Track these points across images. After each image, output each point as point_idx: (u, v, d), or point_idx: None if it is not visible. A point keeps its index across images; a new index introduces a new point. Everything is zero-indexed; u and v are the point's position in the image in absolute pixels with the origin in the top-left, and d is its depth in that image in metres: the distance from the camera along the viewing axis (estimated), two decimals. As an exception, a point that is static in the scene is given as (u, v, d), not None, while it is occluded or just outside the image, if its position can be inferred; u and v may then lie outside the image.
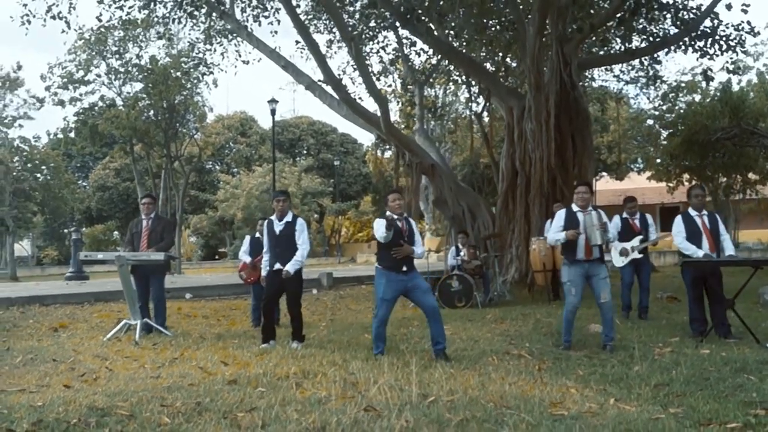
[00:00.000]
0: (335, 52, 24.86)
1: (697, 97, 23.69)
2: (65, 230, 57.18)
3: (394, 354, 6.60)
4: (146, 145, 27.37)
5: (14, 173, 36.28)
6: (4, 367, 6.23)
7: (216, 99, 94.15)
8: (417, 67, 20.88)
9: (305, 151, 53.21)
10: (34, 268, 48.39)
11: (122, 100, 26.04)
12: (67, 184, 41.43)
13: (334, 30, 19.33)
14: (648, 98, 43.18)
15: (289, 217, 7.54)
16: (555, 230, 6.98)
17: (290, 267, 7.33)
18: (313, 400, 4.61)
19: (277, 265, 7.40)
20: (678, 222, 7.59)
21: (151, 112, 26.05)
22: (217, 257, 53.35)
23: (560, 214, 7.08)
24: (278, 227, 7.47)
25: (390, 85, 23.92)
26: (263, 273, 7.65)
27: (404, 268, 6.52)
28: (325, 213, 50.00)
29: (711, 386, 5.05)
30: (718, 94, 21.40)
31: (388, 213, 6.62)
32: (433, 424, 3.96)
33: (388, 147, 22.24)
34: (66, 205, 43.02)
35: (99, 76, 25.38)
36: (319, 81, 15.64)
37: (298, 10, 15.66)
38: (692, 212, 7.57)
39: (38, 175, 38.65)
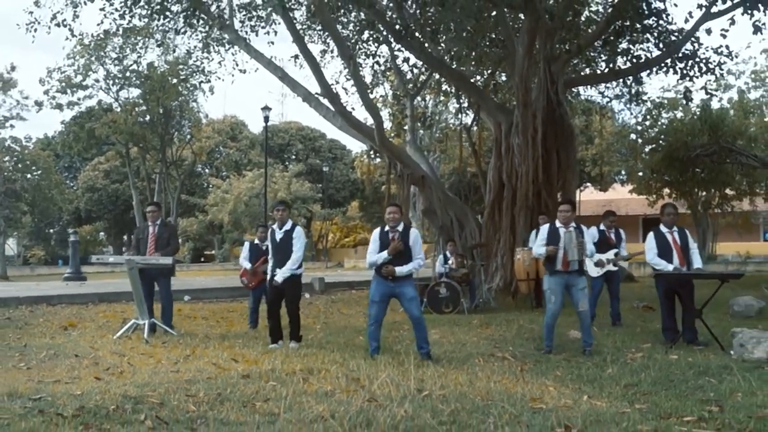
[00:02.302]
0: (328, 62, 25.38)
1: (679, 114, 24.47)
2: (51, 230, 57.35)
3: (389, 354, 7.16)
4: (142, 150, 27.84)
5: (5, 173, 36.54)
6: (32, 362, 6.76)
7: (210, 105, 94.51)
8: (408, 78, 21.46)
9: (294, 157, 53.75)
10: (23, 267, 48.57)
11: (120, 105, 26.49)
12: (57, 185, 41.73)
13: (328, 41, 19.95)
14: (631, 113, 44.17)
15: (288, 226, 8.03)
16: (538, 244, 7.63)
17: (279, 277, 7.86)
18: (320, 393, 5.18)
19: (277, 271, 7.91)
20: (650, 238, 8.22)
21: (147, 117, 26.50)
22: (203, 260, 53.78)
23: (544, 229, 7.73)
24: (278, 235, 7.99)
25: (382, 96, 24.54)
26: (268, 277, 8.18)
27: (389, 277, 7.05)
28: (313, 218, 50.53)
29: (675, 387, 5.65)
30: (699, 111, 22.15)
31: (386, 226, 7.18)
32: (429, 413, 4.54)
33: (376, 155, 22.79)
34: (55, 206, 43.33)
35: (97, 81, 25.87)
36: (316, 93, 16.22)
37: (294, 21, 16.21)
38: (663, 229, 8.19)
39: (29, 175, 38.95)
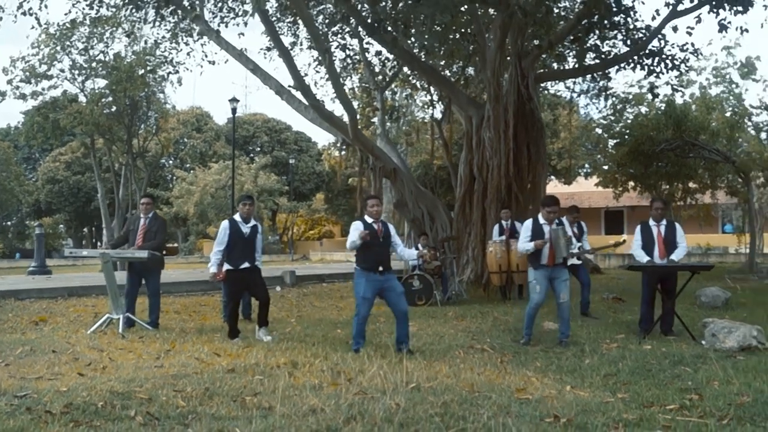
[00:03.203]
0: (297, 54, 25.24)
1: (644, 109, 24.86)
2: (8, 223, 56.04)
3: (370, 347, 7.20)
4: (107, 141, 27.34)
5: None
6: (9, 358, 6.61)
7: (177, 96, 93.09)
8: (378, 71, 21.45)
9: (259, 149, 53.34)
10: (-20, 261, 47.35)
11: (85, 96, 25.96)
12: (17, 176, 40.80)
13: (298, 33, 19.86)
14: (596, 108, 44.90)
15: (253, 221, 8.27)
16: (523, 240, 7.71)
17: (261, 266, 8.36)
18: (308, 387, 5.19)
19: (246, 264, 8.05)
20: (637, 231, 8.50)
21: (114, 108, 26.03)
22: (165, 252, 53.03)
23: (527, 225, 7.82)
24: (246, 229, 8.13)
25: (350, 88, 24.46)
26: (213, 269, 8.23)
27: (380, 269, 7.10)
28: (278, 210, 50.23)
29: (653, 376, 5.82)
30: (663, 106, 22.56)
31: (366, 217, 7.23)
32: (421, 405, 4.60)
33: (346, 147, 22.75)
34: (14, 198, 42.37)
35: (62, 71, 25.28)
36: (289, 86, 16.14)
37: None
38: (651, 222, 8.42)
39: (-13, 166, 38.08)
